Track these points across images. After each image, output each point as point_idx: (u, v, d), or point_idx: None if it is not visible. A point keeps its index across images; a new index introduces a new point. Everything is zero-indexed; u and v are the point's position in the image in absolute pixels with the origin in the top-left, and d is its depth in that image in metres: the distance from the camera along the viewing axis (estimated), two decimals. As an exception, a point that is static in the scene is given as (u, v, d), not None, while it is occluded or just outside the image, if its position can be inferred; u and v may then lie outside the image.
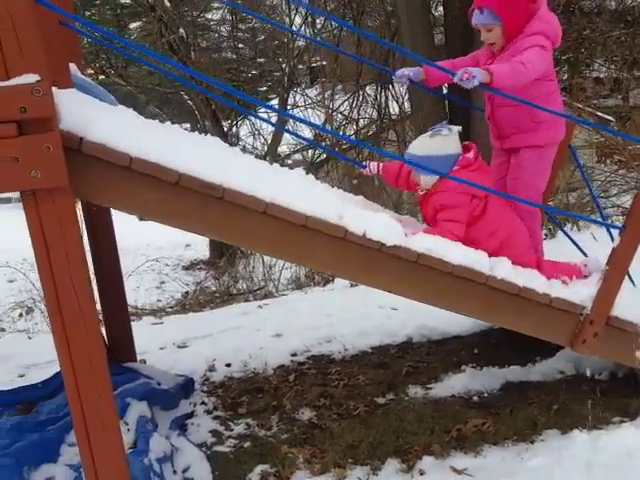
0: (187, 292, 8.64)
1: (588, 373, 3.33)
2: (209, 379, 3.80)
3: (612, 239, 2.99)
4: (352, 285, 5.58)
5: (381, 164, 3.08)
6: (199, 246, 12.40)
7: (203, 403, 3.46)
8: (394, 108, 9.04)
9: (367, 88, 9.14)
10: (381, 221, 2.33)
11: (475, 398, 3.23)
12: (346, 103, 9.37)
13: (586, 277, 2.90)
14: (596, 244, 3.65)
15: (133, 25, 13.38)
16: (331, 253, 2.31)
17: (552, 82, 2.85)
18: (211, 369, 3.92)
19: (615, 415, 2.92)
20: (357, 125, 9.17)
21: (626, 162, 8.78)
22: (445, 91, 5.97)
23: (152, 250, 11.86)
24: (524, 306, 2.60)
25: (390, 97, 8.89)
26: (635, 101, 12.94)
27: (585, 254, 3.29)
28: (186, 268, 11.85)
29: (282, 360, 3.95)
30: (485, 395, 3.27)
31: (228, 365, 3.95)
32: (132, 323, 3.73)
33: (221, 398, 3.53)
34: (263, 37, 14.68)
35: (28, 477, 2.56)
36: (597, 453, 2.57)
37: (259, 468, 2.78)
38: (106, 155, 1.99)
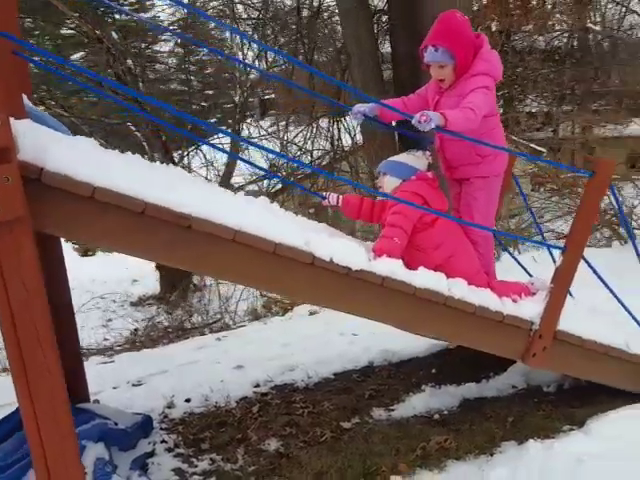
0: (136, 329, 8.46)
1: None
2: (168, 416, 3.73)
3: (553, 259, 3.21)
4: (311, 313, 5.64)
5: (341, 196, 3.20)
6: (147, 280, 12.17)
7: (163, 441, 3.39)
8: (346, 140, 9.31)
9: (320, 121, 9.37)
10: (346, 246, 2.42)
11: (436, 416, 3.34)
12: (300, 135, 9.55)
13: (533, 295, 3.07)
14: (536, 265, 3.88)
15: (75, 56, 13.23)
16: (300, 279, 2.38)
17: (495, 117, 3.06)
18: (170, 406, 3.85)
19: (564, 424, 3.08)
20: (311, 156, 9.37)
21: (558, 190, 9.29)
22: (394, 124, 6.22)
23: (96, 286, 11.55)
24: (480, 324, 2.73)
25: (342, 129, 9.15)
26: (564, 133, 13.73)
27: (529, 274, 3.48)
28: (134, 304, 11.59)
29: (244, 392, 3.94)
30: (445, 413, 3.38)
31: (188, 400, 3.89)
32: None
33: (182, 435, 3.47)
34: (212, 69, 14.82)
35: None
36: (550, 460, 2.70)
37: (226, 506, 2.76)
38: (68, 185, 2.00)
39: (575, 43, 14.66)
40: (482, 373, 3.73)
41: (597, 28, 13.05)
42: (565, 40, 14.47)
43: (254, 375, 4.16)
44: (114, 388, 4.16)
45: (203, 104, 14.49)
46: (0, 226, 1.88)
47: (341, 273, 2.42)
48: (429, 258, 2.77)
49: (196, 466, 3.12)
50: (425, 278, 2.58)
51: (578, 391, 3.38)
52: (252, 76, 10.91)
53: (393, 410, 3.47)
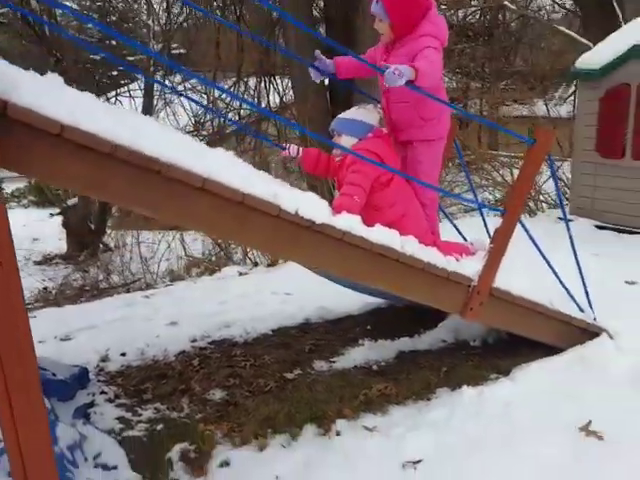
0: (45, 287, 8.13)
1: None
2: (104, 369, 3.69)
3: (485, 224, 3.48)
4: (241, 274, 5.67)
5: (301, 148, 3.25)
6: (49, 240, 11.66)
7: (103, 392, 3.36)
8: (276, 99, 9.23)
9: (248, 79, 9.22)
10: (311, 200, 2.48)
11: (375, 367, 3.53)
12: (226, 93, 9.34)
13: (473, 254, 3.29)
14: (470, 229, 4.14)
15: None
16: (265, 231, 2.42)
17: (440, 80, 3.20)
18: (104, 359, 3.80)
19: (492, 373, 3.34)
20: (239, 115, 9.22)
21: (474, 161, 9.78)
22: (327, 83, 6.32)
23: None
24: (426, 279, 2.91)
25: (272, 89, 9.06)
26: (474, 109, 14.37)
27: (464, 237, 3.73)
28: (39, 263, 11.07)
29: (182, 346, 3.95)
30: (383, 364, 3.57)
31: (123, 354, 3.86)
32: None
33: (122, 386, 3.45)
34: (115, 18, 14.07)
35: None
36: (481, 404, 2.96)
37: (177, 447, 2.80)
38: (34, 121, 1.91)
39: (488, 20, 15.27)
40: (414, 329, 3.96)
41: (513, 7, 13.66)
42: (478, 17, 15.03)
43: (190, 331, 4.17)
44: (40, 342, 4.01)
45: (102, 54, 13.74)
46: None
47: (304, 226, 2.49)
48: (384, 216, 2.90)
49: (140, 415, 3.13)
50: (381, 235, 2.71)
51: (501, 345, 3.68)
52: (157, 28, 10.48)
53: (334, 362, 3.62)
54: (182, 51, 13.21)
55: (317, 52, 3.27)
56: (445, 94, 3.35)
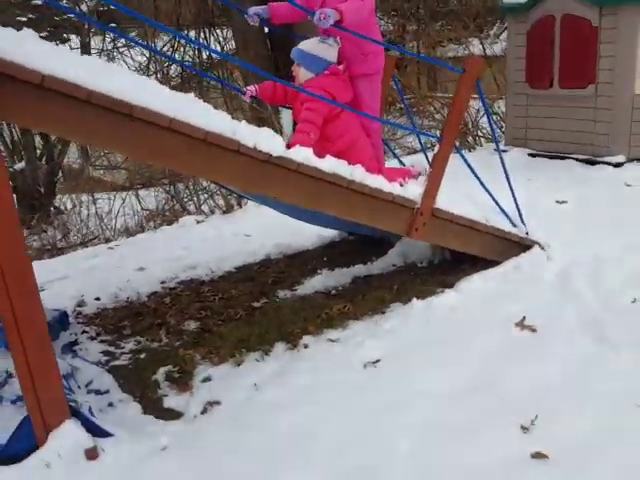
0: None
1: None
2: (81, 313, 3.92)
3: (423, 150, 3.80)
4: (199, 222, 5.88)
5: (256, 85, 3.48)
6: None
7: (84, 332, 3.62)
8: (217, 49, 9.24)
9: (187, 31, 9.17)
10: (268, 134, 2.72)
11: (333, 292, 3.87)
12: (167, 46, 9.29)
13: (415, 176, 3.62)
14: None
15: None
16: (226, 165, 2.66)
17: (373, 16, 3.44)
18: (80, 304, 4.03)
19: (438, 287, 3.70)
20: (182, 67, 9.20)
21: (416, 104, 10.08)
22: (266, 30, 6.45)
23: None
24: (374, 204, 3.21)
25: (212, 39, 9.04)
26: (412, 50, 14.53)
27: (402, 163, 4.07)
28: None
29: (152, 288, 4.20)
30: (340, 288, 3.92)
31: (97, 299, 4.09)
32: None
33: (101, 326, 3.70)
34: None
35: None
36: (430, 311, 3.35)
37: (161, 370, 3.10)
38: (18, 72, 2.08)
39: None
40: (367, 257, 4.31)
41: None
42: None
43: (158, 274, 4.41)
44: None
45: (30, 16, 13.20)
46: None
47: (262, 159, 2.75)
48: (334, 146, 3.19)
49: (123, 347, 3.41)
50: (331, 165, 2.99)
51: (446, 264, 4.07)
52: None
53: (296, 290, 3.95)
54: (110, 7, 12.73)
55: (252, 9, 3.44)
56: (379, 32, 3.59)
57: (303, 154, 2.88)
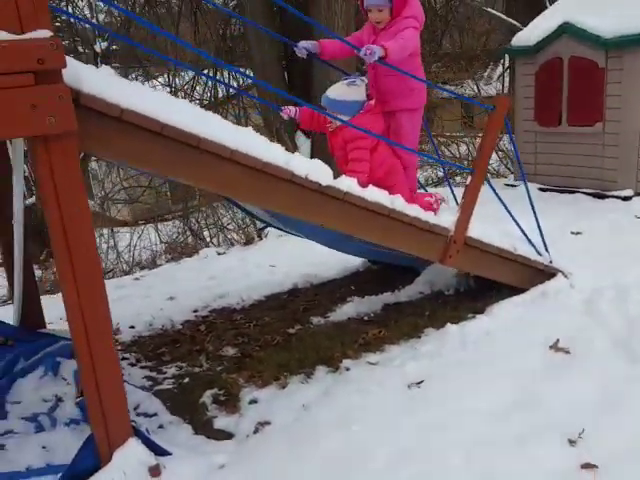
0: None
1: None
2: (118, 340, 3.99)
3: (449, 184, 3.96)
4: (219, 253, 6.01)
5: (297, 108, 3.69)
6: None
7: (124, 358, 3.68)
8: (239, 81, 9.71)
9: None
10: (317, 165, 2.88)
11: (366, 318, 3.98)
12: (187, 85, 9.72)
13: (439, 201, 3.78)
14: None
15: None
16: (278, 193, 2.80)
17: (418, 57, 3.64)
18: (116, 332, 4.09)
19: (469, 313, 3.83)
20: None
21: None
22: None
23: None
24: (412, 231, 3.36)
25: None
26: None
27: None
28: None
29: (186, 316, 4.29)
30: (372, 315, 4.03)
31: (132, 327, 4.17)
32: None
33: (140, 352, 3.78)
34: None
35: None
36: (465, 336, 3.45)
37: (208, 392, 3.17)
38: (101, 106, 2.24)
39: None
40: (394, 285, 4.43)
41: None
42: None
43: (190, 303, 4.51)
44: (50, 323, 4.27)
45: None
46: (52, 138, 2.09)
47: (312, 189, 2.90)
48: (373, 174, 3.37)
49: (165, 373, 3.48)
50: (373, 194, 3.15)
51: (472, 292, 4.20)
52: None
53: (328, 317, 4.05)
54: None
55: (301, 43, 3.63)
56: (422, 71, 3.77)
57: (347, 183, 3.04)
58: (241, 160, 2.63)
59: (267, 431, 2.79)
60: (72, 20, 10.42)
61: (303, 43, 3.55)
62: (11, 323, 3.68)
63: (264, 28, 5.24)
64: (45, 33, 2.02)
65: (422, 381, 3.00)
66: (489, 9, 14.54)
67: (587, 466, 2.26)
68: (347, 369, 3.26)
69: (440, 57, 15.79)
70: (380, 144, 3.46)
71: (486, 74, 17.63)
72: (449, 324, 3.58)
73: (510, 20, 12.58)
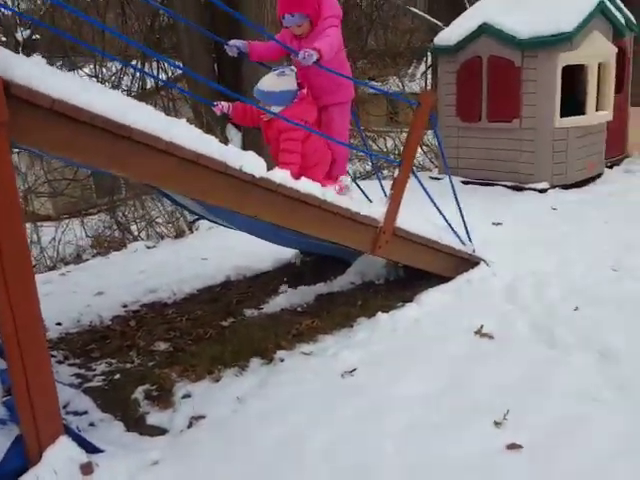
0: None
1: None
2: (43, 338, 3.83)
3: (376, 171, 4.05)
4: (149, 247, 5.88)
5: (230, 103, 3.64)
6: None
7: (52, 356, 3.54)
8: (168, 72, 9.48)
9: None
10: (251, 156, 2.89)
11: (299, 309, 4.03)
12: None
13: (347, 189, 3.86)
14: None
15: None
16: (213, 184, 2.79)
17: (343, 52, 3.71)
18: (40, 330, 3.93)
19: (398, 302, 3.95)
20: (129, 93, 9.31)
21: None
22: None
23: None
24: (342, 222, 3.43)
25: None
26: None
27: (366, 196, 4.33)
28: None
29: (115, 312, 4.18)
30: (305, 306, 4.08)
31: (59, 324, 4.03)
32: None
33: (68, 350, 3.66)
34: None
35: None
36: (395, 323, 3.56)
37: (140, 388, 3.11)
38: (32, 96, 2.16)
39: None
40: (325, 276, 4.50)
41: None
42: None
43: (118, 298, 4.39)
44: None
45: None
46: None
47: (246, 180, 2.90)
48: (304, 162, 3.42)
49: (94, 370, 3.39)
50: (307, 185, 3.19)
51: (401, 281, 4.33)
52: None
53: (262, 309, 4.07)
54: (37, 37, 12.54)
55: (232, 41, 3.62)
56: (348, 65, 3.85)
57: (281, 175, 3.07)
58: (177, 152, 2.60)
59: (202, 425, 2.78)
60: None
61: (234, 41, 3.55)
62: None
63: (194, 24, 5.15)
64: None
65: (355, 369, 3.08)
66: (412, 8, 14.89)
67: (513, 447, 2.39)
68: (281, 360, 3.29)
69: (366, 54, 16.07)
70: (311, 136, 3.51)
71: (410, 71, 18.07)
72: (380, 313, 3.69)
73: (432, 19, 12.95)
